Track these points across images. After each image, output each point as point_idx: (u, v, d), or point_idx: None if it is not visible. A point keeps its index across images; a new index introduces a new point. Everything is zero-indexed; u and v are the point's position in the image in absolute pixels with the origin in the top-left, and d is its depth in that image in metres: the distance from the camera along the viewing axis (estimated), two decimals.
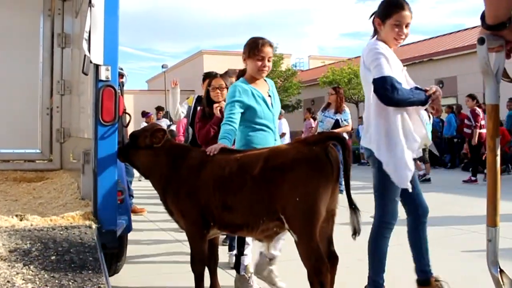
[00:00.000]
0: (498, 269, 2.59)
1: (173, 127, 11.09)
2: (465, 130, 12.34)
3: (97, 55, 3.31)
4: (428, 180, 11.97)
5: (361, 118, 16.17)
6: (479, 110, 11.76)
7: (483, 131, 11.15)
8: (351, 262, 4.50)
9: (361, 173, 14.82)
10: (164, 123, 13.48)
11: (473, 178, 11.71)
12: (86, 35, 3.30)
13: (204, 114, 4.94)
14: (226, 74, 6.03)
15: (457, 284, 3.97)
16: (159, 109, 15.49)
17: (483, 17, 2.32)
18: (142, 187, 9.81)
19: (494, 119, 2.49)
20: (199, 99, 6.02)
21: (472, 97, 12.30)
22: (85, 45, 3.30)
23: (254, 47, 3.90)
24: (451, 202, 8.90)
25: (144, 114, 15.35)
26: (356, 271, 4.14)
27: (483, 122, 11.38)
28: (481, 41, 2.40)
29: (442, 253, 5.03)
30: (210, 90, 4.94)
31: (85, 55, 3.35)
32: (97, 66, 3.35)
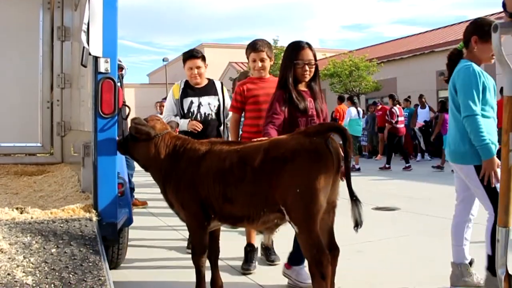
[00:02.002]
0: (505, 272, 2.53)
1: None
2: (387, 125, 14.44)
3: (96, 47, 3.30)
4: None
5: (363, 110, 16.20)
6: (395, 109, 13.98)
7: (401, 126, 13.93)
8: (352, 254, 4.51)
9: (362, 164, 14.84)
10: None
11: (387, 166, 13.79)
12: (84, 27, 3.29)
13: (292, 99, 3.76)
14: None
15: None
16: None
17: (504, 6, 2.28)
18: (143, 178, 9.81)
19: (509, 112, 2.43)
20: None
21: (391, 97, 14.80)
22: (83, 37, 3.29)
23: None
24: (453, 194, 8.87)
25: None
26: (357, 262, 4.16)
27: (400, 119, 13.93)
28: (494, 28, 2.36)
29: (444, 243, 5.03)
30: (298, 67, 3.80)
31: (83, 47, 3.33)
32: (96, 59, 3.34)
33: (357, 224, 2.99)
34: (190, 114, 4.94)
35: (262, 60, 4.50)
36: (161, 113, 11.93)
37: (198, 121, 4.86)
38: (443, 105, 13.67)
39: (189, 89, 5.03)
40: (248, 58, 4.61)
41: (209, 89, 5.12)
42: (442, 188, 9.58)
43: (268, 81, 4.51)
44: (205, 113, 4.97)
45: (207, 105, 4.99)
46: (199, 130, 4.80)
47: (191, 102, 4.97)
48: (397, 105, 14.33)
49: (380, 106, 18.10)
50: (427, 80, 22.76)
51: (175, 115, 4.98)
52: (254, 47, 4.51)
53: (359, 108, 14.10)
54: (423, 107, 16.76)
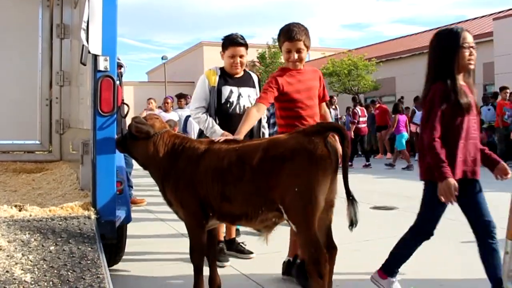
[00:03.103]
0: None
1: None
2: (351, 125, 15.42)
3: (95, 45, 3.30)
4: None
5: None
6: (357, 109, 15.30)
7: (363, 126, 15.28)
8: (350, 253, 4.52)
9: (359, 163, 14.86)
10: (186, 112, 10.73)
11: (367, 163, 14.74)
12: (84, 25, 3.29)
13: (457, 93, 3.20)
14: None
15: (457, 275, 3.98)
16: (180, 96, 12.61)
17: None
18: (142, 178, 9.81)
19: None
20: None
21: (354, 99, 16.81)
22: (83, 35, 3.29)
23: None
24: None
25: (181, 97, 12.37)
26: (355, 262, 4.17)
27: (362, 119, 15.31)
28: None
29: (440, 244, 5.03)
30: None
31: (83, 45, 3.34)
32: (95, 56, 3.34)
33: (352, 223, 3.00)
34: (228, 105, 4.47)
35: (298, 51, 3.84)
36: (150, 110, 11.51)
37: (237, 113, 4.42)
38: (395, 107, 14.52)
39: (227, 77, 4.55)
40: (280, 47, 3.98)
41: (248, 80, 4.70)
42: None
43: (305, 72, 3.95)
44: (244, 106, 4.51)
45: (247, 97, 4.57)
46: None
47: (231, 92, 4.50)
48: (359, 106, 15.78)
49: (378, 105, 18.11)
50: None
51: (205, 106, 4.45)
52: (289, 35, 3.81)
53: (331, 109, 14.39)
54: (419, 109, 16.81)
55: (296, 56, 3.82)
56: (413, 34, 29.87)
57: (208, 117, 4.39)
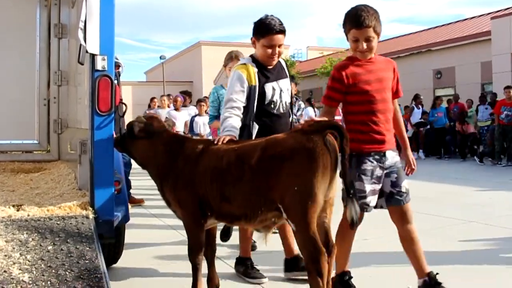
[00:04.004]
0: None
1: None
2: None
3: (93, 45, 3.29)
4: None
5: None
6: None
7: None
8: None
9: None
10: (192, 111, 10.57)
11: None
12: (81, 25, 3.28)
13: None
14: None
15: (456, 274, 3.98)
16: (186, 93, 11.91)
17: None
18: (140, 178, 9.80)
19: None
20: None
21: (308, 100, 15.84)
22: (80, 34, 3.28)
23: None
24: (448, 192, 8.91)
25: (187, 94, 11.87)
26: (353, 261, 4.15)
27: (337, 118, 14.79)
28: None
29: (440, 243, 5.04)
30: None
31: (80, 45, 3.33)
32: (93, 56, 3.34)
33: (353, 222, 2.99)
34: (272, 105, 3.91)
35: (367, 40, 3.32)
36: (162, 108, 11.33)
37: (281, 113, 3.95)
38: None
39: (265, 71, 3.92)
40: (346, 34, 3.44)
41: (281, 69, 4.07)
42: (437, 187, 9.60)
43: (376, 61, 3.45)
44: (285, 102, 4.00)
45: (286, 91, 4.01)
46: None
47: (273, 89, 3.92)
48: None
49: None
50: (423, 79, 22.82)
51: (241, 107, 3.79)
52: (356, 21, 3.30)
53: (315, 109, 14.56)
54: (418, 107, 16.88)
55: (364, 45, 3.32)
56: (411, 33, 29.89)
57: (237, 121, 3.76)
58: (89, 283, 2.62)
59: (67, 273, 2.67)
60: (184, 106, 11.23)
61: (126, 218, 3.89)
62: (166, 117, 9.10)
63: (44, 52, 5.24)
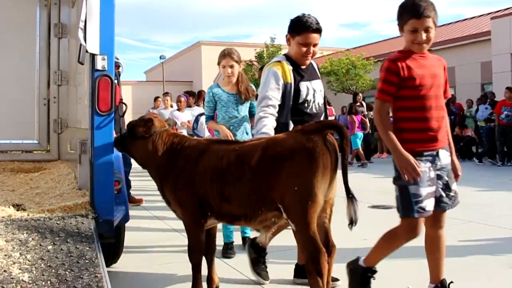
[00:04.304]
0: None
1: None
2: None
3: (93, 45, 3.29)
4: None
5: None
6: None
7: None
8: (348, 252, 4.51)
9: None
10: (196, 111, 9.73)
11: None
12: (81, 24, 3.28)
13: None
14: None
15: (456, 275, 3.98)
16: (190, 94, 11.57)
17: None
18: (140, 177, 9.81)
19: None
20: None
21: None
22: (80, 34, 3.28)
23: None
24: None
25: (191, 95, 11.53)
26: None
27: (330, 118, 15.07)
28: None
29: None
30: None
31: (80, 45, 3.33)
32: (93, 56, 3.34)
33: (352, 222, 3.00)
34: (306, 104, 3.81)
35: (427, 30, 3.14)
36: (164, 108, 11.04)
37: (314, 113, 3.85)
38: (350, 109, 15.13)
39: (300, 70, 3.84)
40: (402, 26, 3.26)
41: (314, 70, 4.01)
42: None
43: (428, 57, 3.28)
44: (318, 103, 3.90)
45: (319, 92, 3.92)
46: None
47: (307, 88, 3.82)
48: (328, 106, 15.58)
49: None
50: None
51: (276, 105, 3.68)
52: (416, 11, 3.11)
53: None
54: None
55: (424, 36, 3.13)
56: None
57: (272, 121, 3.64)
58: (89, 283, 2.61)
59: (67, 272, 2.67)
60: (189, 106, 10.83)
61: (126, 217, 3.89)
62: (169, 117, 8.99)
63: (44, 52, 5.25)
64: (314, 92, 3.85)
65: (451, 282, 3.36)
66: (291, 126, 3.69)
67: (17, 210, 3.33)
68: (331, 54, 29.88)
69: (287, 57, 3.86)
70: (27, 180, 4.49)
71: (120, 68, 6.94)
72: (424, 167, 3.11)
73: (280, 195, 2.96)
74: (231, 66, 4.92)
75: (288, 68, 3.75)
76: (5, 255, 2.74)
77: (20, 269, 2.64)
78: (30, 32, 5.22)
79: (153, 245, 5.37)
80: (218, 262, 4.01)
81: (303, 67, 3.85)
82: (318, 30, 3.74)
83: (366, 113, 15.73)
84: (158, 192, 3.58)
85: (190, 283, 3.42)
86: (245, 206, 3.12)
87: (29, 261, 2.73)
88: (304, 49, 3.75)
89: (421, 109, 3.16)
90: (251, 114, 4.98)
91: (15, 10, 5.25)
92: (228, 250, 4.82)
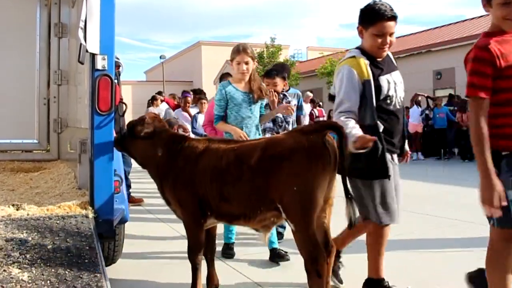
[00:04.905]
0: None
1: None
2: None
3: (93, 44, 3.29)
4: None
5: None
6: (315, 111, 15.84)
7: None
8: (347, 252, 4.51)
9: None
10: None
11: None
12: (82, 24, 3.28)
13: None
14: None
15: (456, 275, 3.98)
16: (196, 92, 10.68)
17: None
18: (140, 177, 9.81)
19: None
20: None
21: (312, 101, 16.43)
22: (80, 34, 3.28)
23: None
24: (447, 192, 8.92)
25: (197, 93, 10.48)
26: (352, 261, 4.15)
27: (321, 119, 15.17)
28: None
29: (439, 243, 5.04)
30: None
31: (80, 44, 3.33)
32: (93, 55, 3.34)
33: (351, 222, 3.00)
34: (388, 100, 3.41)
35: None
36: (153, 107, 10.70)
37: (397, 109, 3.46)
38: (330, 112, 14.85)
39: (377, 63, 3.46)
40: (489, 3, 2.72)
41: (390, 61, 3.59)
42: (437, 187, 9.60)
43: None
44: (400, 97, 3.50)
45: (400, 84, 3.52)
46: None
47: (388, 82, 3.42)
48: (317, 108, 16.61)
49: None
50: (423, 80, 22.82)
51: (354, 111, 3.33)
52: None
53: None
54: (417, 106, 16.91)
55: None
56: (411, 34, 29.87)
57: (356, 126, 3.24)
58: (88, 282, 2.62)
59: (66, 272, 2.67)
60: (194, 104, 10.35)
61: (125, 217, 3.89)
62: (175, 117, 8.83)
63: (44, 52, 5.25)
64: (395, 85, 3.45)
65: None
66: (381, 127, 3.32)
67: (17, 210, 3.33)
68: (331, 54, 29.88)
69: (362, 51, 3.46)
70: (27, 180, 4.49)
71: (120, 68, 6.94)
72: None
73: (279, 195, 2.97)
74: (246, 63, 4.53)
75: (365, 62, 3.36)
76: (5, 255, 2.75)
77: (19, 268, 2.65)
78: (30, 31, 5.23)
79: (152, 245, 5.37)
80: (218, 262, 4.01)
81: (379, 59, 3.47)
82: (394, 17, 3.36)
83: None
84: (157, 193, 3.58)
85: (190, 283, 3.42)
86: (245, 206, 3.12)
87: (28, 260, 2.73)
88: (380, 40, 3.36)
89: None
90: (259, 114, 4.76)
91: (15, 9, 5.25)
92: (227, 250, 4.82)
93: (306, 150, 2.94)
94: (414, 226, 5.77)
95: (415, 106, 16.80)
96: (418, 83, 21.94)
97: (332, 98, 3.59)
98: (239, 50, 4.55)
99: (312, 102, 16.25)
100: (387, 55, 3.53)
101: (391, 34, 3.37)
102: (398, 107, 3.44)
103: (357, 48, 3.51)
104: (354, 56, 3.42)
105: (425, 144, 17.02)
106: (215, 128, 4.94)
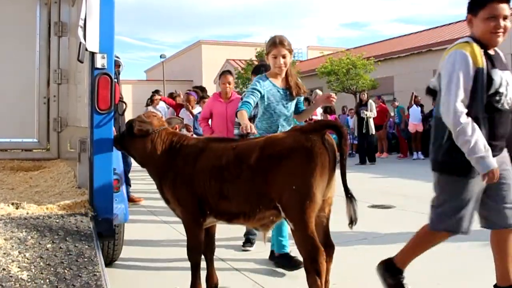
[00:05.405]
0: None
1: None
2: None
3: (92, 43, 3.29)
4: None
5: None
6: None
7: None
8: (347, 252, 4.51)
9: (353, 161, 14.88)
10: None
11: None
12: (81, 23, 3.28)
13: None
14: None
15: (456, 275, 3.99)
16: (202, 89, 10.62)
17: None
18: (139, 176, 9.81)
19: None
20: None
21: (306, 99, 16.78)
22: (80, 32, 3.28)
23: None
24: None
25: (203, 90, 10.53)
26: (352, 260, 4.17)
27: (315, 117, 15.68)
28: None
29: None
30: None
31: (80, 43, 3.33)
32: (93, 54, 3.34)
33: (352, 221, 3.00)
34: (497, 97, 3.04)
35: None
36: (154, 107, 10.68)
37: (507, 110, 3.11)
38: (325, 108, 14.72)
39: (490, 56, 3.10)
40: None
41: (502, 60, 3.21)
42: None
43: None
44: (510, 98, 3.10)
45: (511, 84, 3.13)
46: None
47: (501, 78, 3.04)
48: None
49: (377, 105, 18.12)
50: (424, 79, 22.74)
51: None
52: None
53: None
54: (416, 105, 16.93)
55: None
56: (411, 34, 29.85)
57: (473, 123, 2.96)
58: (87, 281, 2.62)
59: (65, 271, 2.67)
60: (198, 104, 9.83)
61: (125, 216, 3.89)
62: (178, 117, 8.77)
63: (44, 50, 5.24)
64: (507, 84, 3.07)
65: None
66: (485, 124, 3.04)
67: (16, 209, 3.32)
68: (332, 54, 29.87)
69: (476, 41, 3.11)
70: (27, 179, 4.49)
71: (120, 67, 6.94)
72: None
73: (278, 194, 2.97)
74: (284, 56, 4.18)
75: (479, 49, 3.03)
76: (4, 254, 2.75)
77: (19, 267, 2.65)
78: (30, 30, 5.22)
79: (152, 244, 5.37)
80: (217, 262, 4.00)
81: (492, 53, 3.11)
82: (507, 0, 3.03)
83: (369, 114, 15.64)
84: (157, 192, 3.58)
85: (189, 282, 3.42)
86: (244, 205, 3.13)
87: (28, 259, 2.73)
88: (493, 23, 3.01)
89: None
90: (298, 111, 4.49)
91: (15, 8, 5.25)
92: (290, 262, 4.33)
93: (305, 149, 2.94)
94: (414, 226, 5.76)
95: (415, 106, 16.79)
96: (419, 83, 21.93)
97: (430, 91, 3.41)
98: (276, 43, 4.18)
99: (307, 100, 16.10)
100: (499, 54, 3.20)
101: (505, 18, 3.02)
102: (507, 107, 3.08)
103: (469, 36, 3.18)
104: (468, 42, 3.09)
105: (425, 144, 17.00)
106: (208, 124, 4.88)
